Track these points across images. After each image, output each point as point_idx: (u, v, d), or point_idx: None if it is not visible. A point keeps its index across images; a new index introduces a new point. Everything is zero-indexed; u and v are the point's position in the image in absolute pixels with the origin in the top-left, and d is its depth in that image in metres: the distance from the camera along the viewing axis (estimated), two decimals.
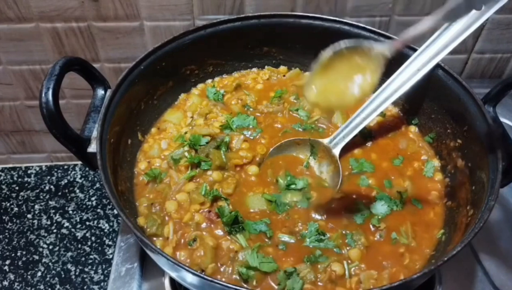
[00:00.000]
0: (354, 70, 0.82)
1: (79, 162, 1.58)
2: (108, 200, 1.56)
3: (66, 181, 1.60)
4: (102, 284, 1.42)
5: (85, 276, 1.43)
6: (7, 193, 1.57)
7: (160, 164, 1.06)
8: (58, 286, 1.42)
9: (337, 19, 1.14)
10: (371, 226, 0.98)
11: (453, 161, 1.06)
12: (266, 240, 0.94)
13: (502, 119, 0.99)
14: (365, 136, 1.13)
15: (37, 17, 1.26)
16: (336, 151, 1.06)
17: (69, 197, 1.57)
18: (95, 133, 0.94)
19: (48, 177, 1.60)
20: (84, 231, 1.51)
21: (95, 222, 1.53)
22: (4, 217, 1.53)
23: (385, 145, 1.13)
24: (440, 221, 1.00)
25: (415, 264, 0.93)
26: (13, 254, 1.47)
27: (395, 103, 1.18)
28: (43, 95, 0.87)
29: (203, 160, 1.04)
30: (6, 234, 1.50)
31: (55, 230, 1.51)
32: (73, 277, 1.43)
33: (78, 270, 1.44)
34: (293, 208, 1.00)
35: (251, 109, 1.19)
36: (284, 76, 1.27)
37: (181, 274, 0.83)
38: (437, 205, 1.03)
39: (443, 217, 1.01)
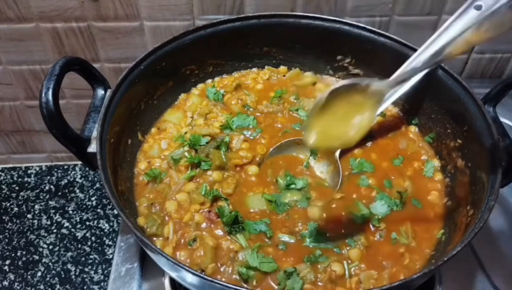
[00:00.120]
0: (352, 109, 0.81)
1: (79, 162, 1.58)
2: (108, 200, 1.56)
3: (66, 181, 1.60)
4: (102, 284, 1.42)
5: (85, 276, 1.43)
6: (7, 193, 1.57)
7: (160, 164, 1.06)
8: (58, 286, 1.42)
9: (337, 19, 1.14)
10: (371, 226, 0.98)
11: (453, 161, 1.06)
12: (266, 240, 0.94)
13: (502, 119, 0.98)
14: (365, 136, 1.13)
15: (37, 17, 1.26)
16: (336, 151, 1.06)
17: (69, 197, 1.57)
18: (95, 133, 0.94)
19: (48, 177, 1.60)
20: (84, 231, 1.51)
21: (95, 222, 1.53)
22: (4, 217, 1.53)
23: (385, 145, 1.13)
24: (440, 221, 1.00)
25: (415, 264, 0.93)
26: (13, 254, 1.47)
27: (395, 103, 1.18)
28: (43, 95, 0.87)
29: (203, 160, 1.04)
30: (6, 234, 1.50)
31: (55, 230, 1.51)
32: (73, 277, 1.43)
33: (78, 270, 1.44)
34: (293, 208, 1.00)
35: (251, 109, 1.19)
36: (284, 76, 1.27)
37: (181, 274, 0.83)
38: (437, 205, 1.03)
39: (443, 217, 1.01)
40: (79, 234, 1.50)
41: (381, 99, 0.81)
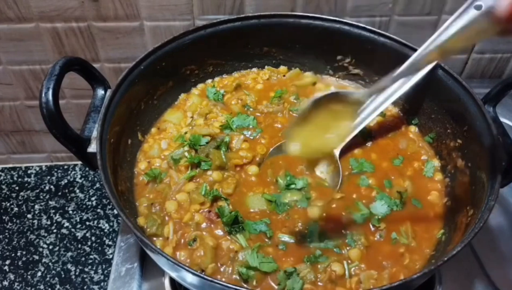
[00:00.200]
0: (333, 117, 0.85)
1: (79, 162, 1.58)
2: (108, 200, 1.56)
3: (66, 181, 1.60)
4: (102, 284, 1.42)
5: (85, 276, 1.43)
6: (7, 193, 1.57)
7: (160, 164, 1.06)
8: (58, 286, 1.41)
9: (337, 19, 1.14)
10: (371, 226, 0.98)
11: (453, 161, 1.06)
12: (266, 240, 0.94)
13: (502, 119, 0.98)
14: (365, 136, 1.13)
15: (37, 17, 1.26)
16: (336, 151, 1.06)
17: (69, 197, 1.57)
18: (95, 133, 0.94)
19: (48, 177, 1.60)
20: (84, 231, 1.51)
21: (95, 222, 1.52)
22: (4, 217, 1.53)
23: (385, 145, 1.13)
24: (440, 221, 1.00)
25: (415, 264, 0.93)
26: (13, 254, 1.47)
27: (395, 103, 1.18)
28: (43, 95, 0.87)
29: (203, 160, 1.04)
30: (6, 234, 1.50)
31: (55, 230, 1.51)
32: (73, 277, 1.43)
33: (78, 270, 1.44)
34: (293, 208, 1.00)
35: (251, 109, 1.19)
36: (284, 76, 1.27)
37: (181, 274, 0.83)
38: (437, 205, 1.03)
39: (443, 217, 1.01)
40: (79, 234, 1.50)
41: (357, 109, 0.86)
